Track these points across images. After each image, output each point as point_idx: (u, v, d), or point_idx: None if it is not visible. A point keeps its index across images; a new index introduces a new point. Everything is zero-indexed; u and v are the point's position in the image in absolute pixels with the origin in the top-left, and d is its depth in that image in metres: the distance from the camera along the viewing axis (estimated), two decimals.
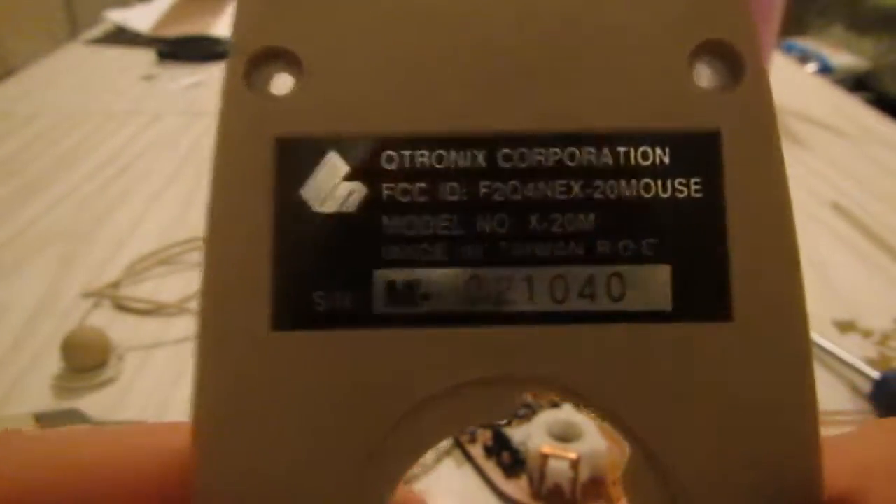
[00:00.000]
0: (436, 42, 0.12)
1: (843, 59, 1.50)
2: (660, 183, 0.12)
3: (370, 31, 0.12)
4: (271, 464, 0.12)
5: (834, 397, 0.35)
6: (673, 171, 0.12)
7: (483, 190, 0.12)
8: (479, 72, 0.12)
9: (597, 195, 0.12)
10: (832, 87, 0.84)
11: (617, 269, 0.12)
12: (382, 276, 0.12)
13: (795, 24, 1.55)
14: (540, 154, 0.12)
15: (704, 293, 0.12)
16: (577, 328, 0.12)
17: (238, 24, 0.13)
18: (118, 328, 0.38)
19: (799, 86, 0.82)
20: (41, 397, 0.33)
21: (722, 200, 0.12)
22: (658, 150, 0.12)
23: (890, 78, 1.47)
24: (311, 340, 0.12)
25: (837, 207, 0.53)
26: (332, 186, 0.12)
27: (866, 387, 0.34)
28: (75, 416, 0.29)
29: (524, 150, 0.12)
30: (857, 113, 0.74)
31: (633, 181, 0.12)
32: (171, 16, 0.96)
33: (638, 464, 0.12)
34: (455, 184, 0.12)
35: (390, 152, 0.12)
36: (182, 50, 0.85)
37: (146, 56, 0.84)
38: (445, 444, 0.31)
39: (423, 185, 0.12)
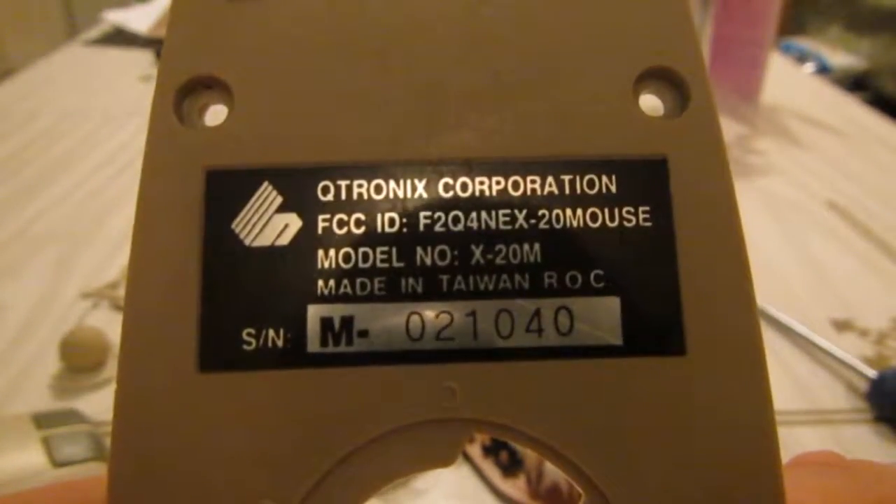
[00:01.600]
0: (373, 68, 0.12)
1: (841, 59, 1.51)
2: (606, 212, 0.12)
3: (304, 59, 0.12)
4: None
5: (831, 396, 0.35)
6: (620, 199, 0.12)
7: (423, 221, 0.12)
8: (418, 98, 0.12)
9: (542, 225, 0.12)
10: (830, 86, 0.84)
11: (564, 301, 0.11)
12: (317, 311, 0.11)
13: (793, 23, 1.56)
14: (482, 183, 0.12)
15: (656, 326, 0.11)
16: (524, 365, 0.11)
17: (167, 53, 0.12)
18: (116, 328, 0.38)
19: (797, 86, 0.83)
20: (39, 397, 0.33)
21: (671, 229, 0.12)
22: (604, 179, 0.12)
23: (887, 78, 1.47)
24: (240, 383, 0.11)
25: (834, 206, 0.53)
26: (266, 219, 0.12)
27: (863, 386, 0.35)
28: (73, 417, 0.29)
29: (465, 178, 0.12)
30: (855, 112, 0.75)
31: (579, 210, 0.12)
32: None
33: None
34: (394, 215, 0.12)
35: (326, 182, 0.12)
36: None
37: (145, 56, 0.84)
38: None
39: (360, 216, 0.12)
